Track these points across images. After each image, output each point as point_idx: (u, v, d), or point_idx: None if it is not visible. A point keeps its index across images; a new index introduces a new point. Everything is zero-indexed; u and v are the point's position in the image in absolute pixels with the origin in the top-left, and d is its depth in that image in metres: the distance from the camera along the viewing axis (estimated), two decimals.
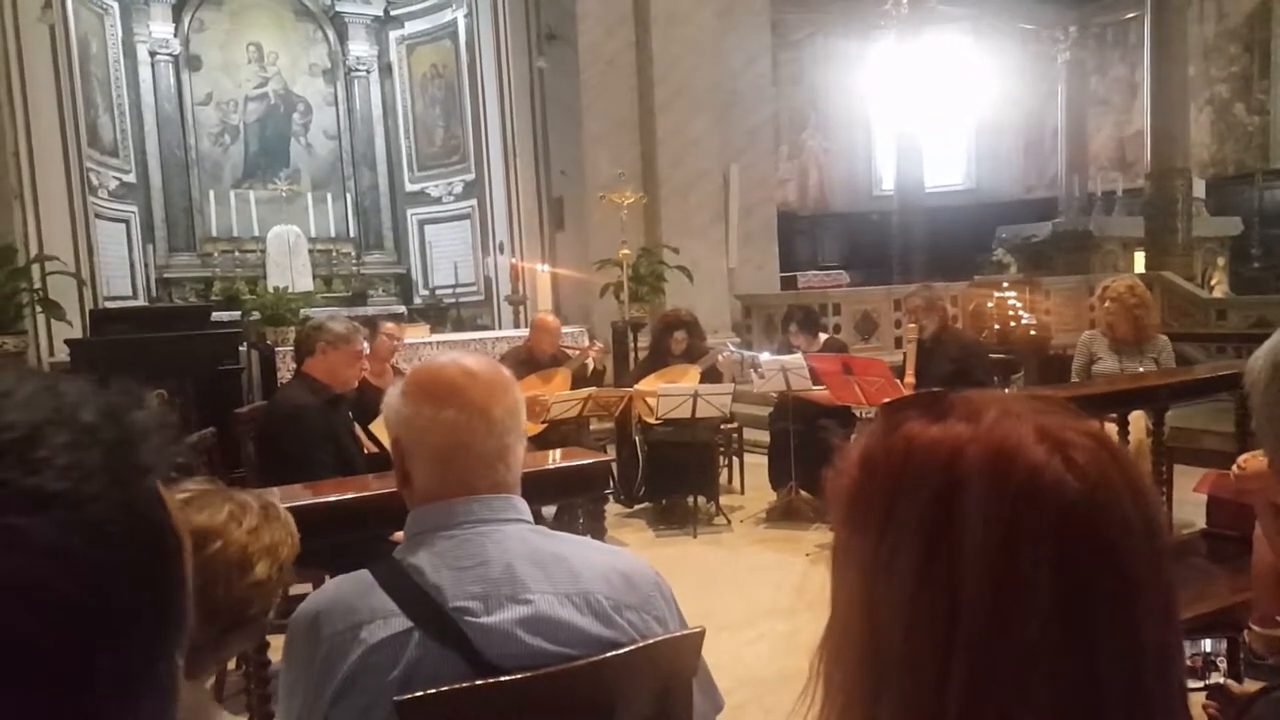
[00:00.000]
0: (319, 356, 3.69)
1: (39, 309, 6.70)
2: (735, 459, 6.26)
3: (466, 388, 1.33)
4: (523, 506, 1.37)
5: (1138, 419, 4.26)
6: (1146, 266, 9.59)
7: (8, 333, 6.36)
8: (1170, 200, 9.51)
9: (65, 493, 0.36)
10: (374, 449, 3.96)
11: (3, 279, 6.38)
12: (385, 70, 12.76)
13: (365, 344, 3.90)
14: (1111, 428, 4.03)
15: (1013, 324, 7.86)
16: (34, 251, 6.95)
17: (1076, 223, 11.59)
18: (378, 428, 3.96)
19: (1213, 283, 10.47)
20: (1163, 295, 8.48)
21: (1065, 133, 13.99)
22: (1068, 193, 13.25)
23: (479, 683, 1.21)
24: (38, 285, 6.72)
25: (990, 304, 8.18)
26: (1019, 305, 7.99)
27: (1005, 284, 8.64)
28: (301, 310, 8.09)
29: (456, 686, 1.20)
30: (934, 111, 13.24)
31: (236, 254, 11.59)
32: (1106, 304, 4.86)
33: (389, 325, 5.32)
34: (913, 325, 5.48)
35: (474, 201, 11.97)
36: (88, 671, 0.35)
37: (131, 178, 11.13)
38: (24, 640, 0.33)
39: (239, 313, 8.60)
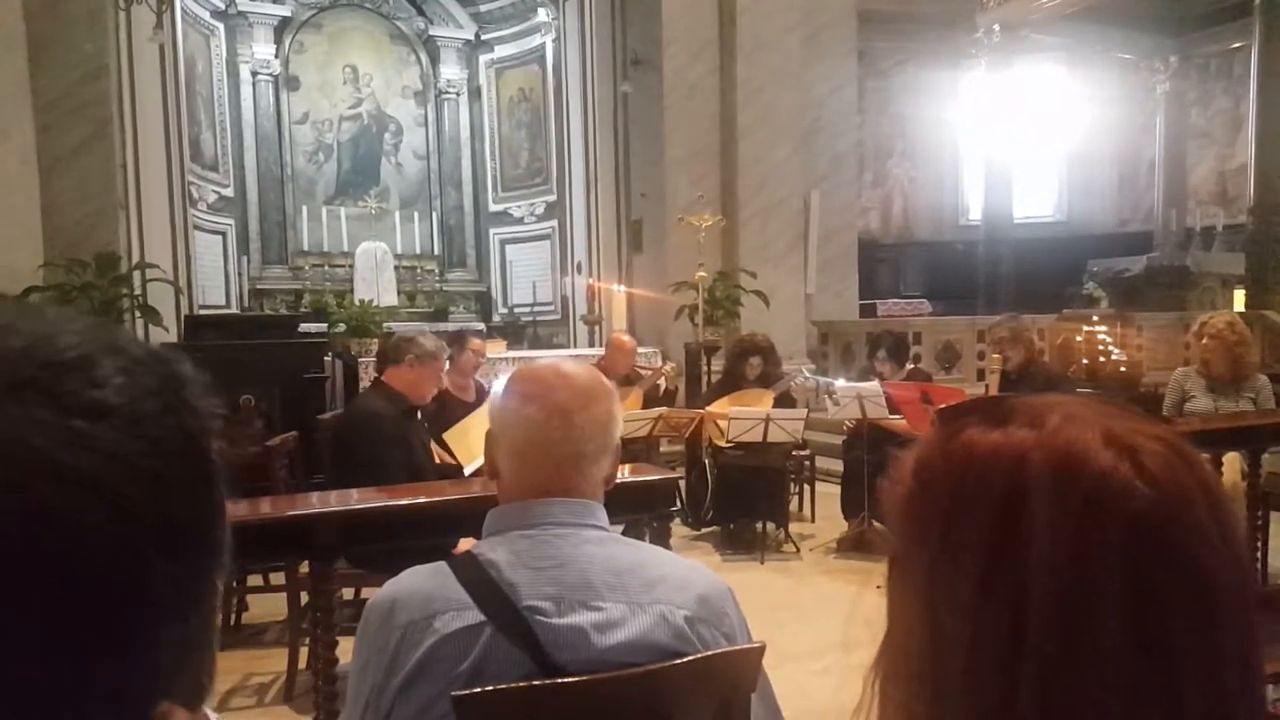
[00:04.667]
0: (404, 368, 3.79)
1: (138, 314, 6.99)
2: (807, 486, 6.17)
3: (554, 388, 1.34)
4: (602, 515, 1.37)
5: (1232, 460, 4.06)
6: (1247, 305, 9.17)
7: None
8: (1274, 237, 9.10)
9: (124, 406, 0.38)
10: (449, 459, 4.03)
11: (106, 284, 6.69)
12: (474, 93, 13.09)
13: (447, 362, 4.02)
14: None
15: (1102, 360, 7.61)
16: (135, 259, 7.28)
17: (1173, 258, 11.17)
18: (451, 436, 4.03)
19: None
20: (1263, 334, 8.10)
21: (1163, 165, 13.52)
22: (1164, 227, 12.79)
23: (536, 683, 1.21)
24: (138, 291, 7.03)
25: (1079, 338, 7.93)
26: (1109, 340, 7.73)
27: (1095, 318, 8.36)
28: (385, 324, 8.31)
29: (514, 685, 1.20)
30: (1024, 142, 12.97)
31: (326, 268, 11.98)
32: (1204, 340, 4.66)
33: (475, 341, 5.41)
34: (997, 356, 5.33)
35: (554, 222, 12.15)
36: (148, 573, 0.37)
37: (230, 192, 11.61)
38: (93, 533, 0.35)
39: (326, 324, 8.86)
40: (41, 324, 0.39)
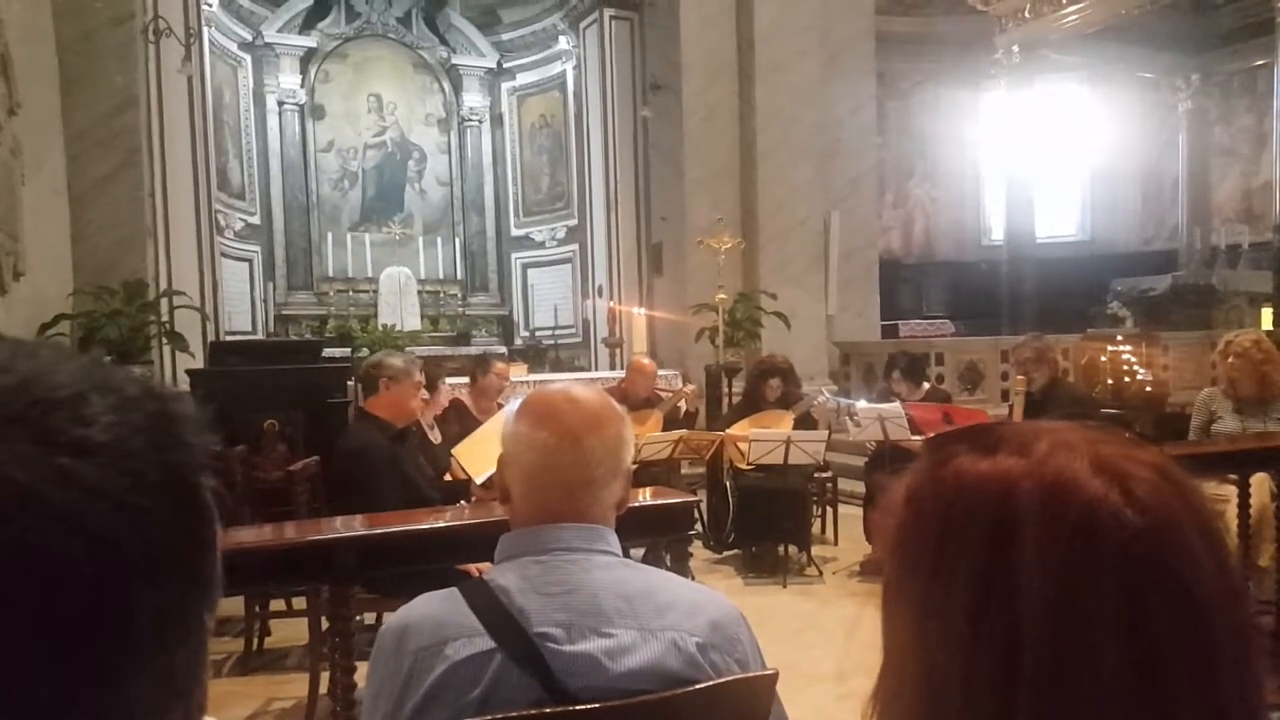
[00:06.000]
0: (381, 393, 3.77)
1: (165, 341, 7.07)
2: (829, 509, 6.13)
3: (565, 413, 1.34)
4: (613, 539, 1.37)
5: (1261, 482, 3.99)
6: (1275, 323, 9.05)
7: (135, 362, 6.72)
8: None
9: (111, 443, 0.38)
10: (463, 475, 4.03)
11: (133, 311, 6.76)
12: (496, 120, 13.23)
13: (421, 375, 3.95)
14: (1231, 490, 3.79)
15: (1127, 380, 7.52)
16: (163, 286, 7.37)
17: (1198, 276, 11.04)
18: (459, 451, 4.03)
19: None
20: None
21: (1186, 184, 13.40)
22: (1189, 245, 12.67)
23: (547, 710, 1.20)
24: (165, 318, 7.11)
25: (1104, 358, 7.85)
26: (1134, 360, 7.64)
27: (1120, 338, 8.27)
28: (407, 348, 8.36)
29: (525, 713, 1.20)
30: (1046, 161, 12.91)
31: (351, 293, 12.09)
32: (1230, 360, 4.59)
33: (500, 364, 5.43)
34: (1021, 377, 5.29)
35: (575, 246, 12.22)
36: (129, 606, 0.37)
37: (256, 219, 11.77)
38: (73, 566, 0.36)
39: (349, 349, 8.94)
40: (34, 363, 0.40)
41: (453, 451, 4.11)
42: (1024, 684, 0.52)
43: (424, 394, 3.93)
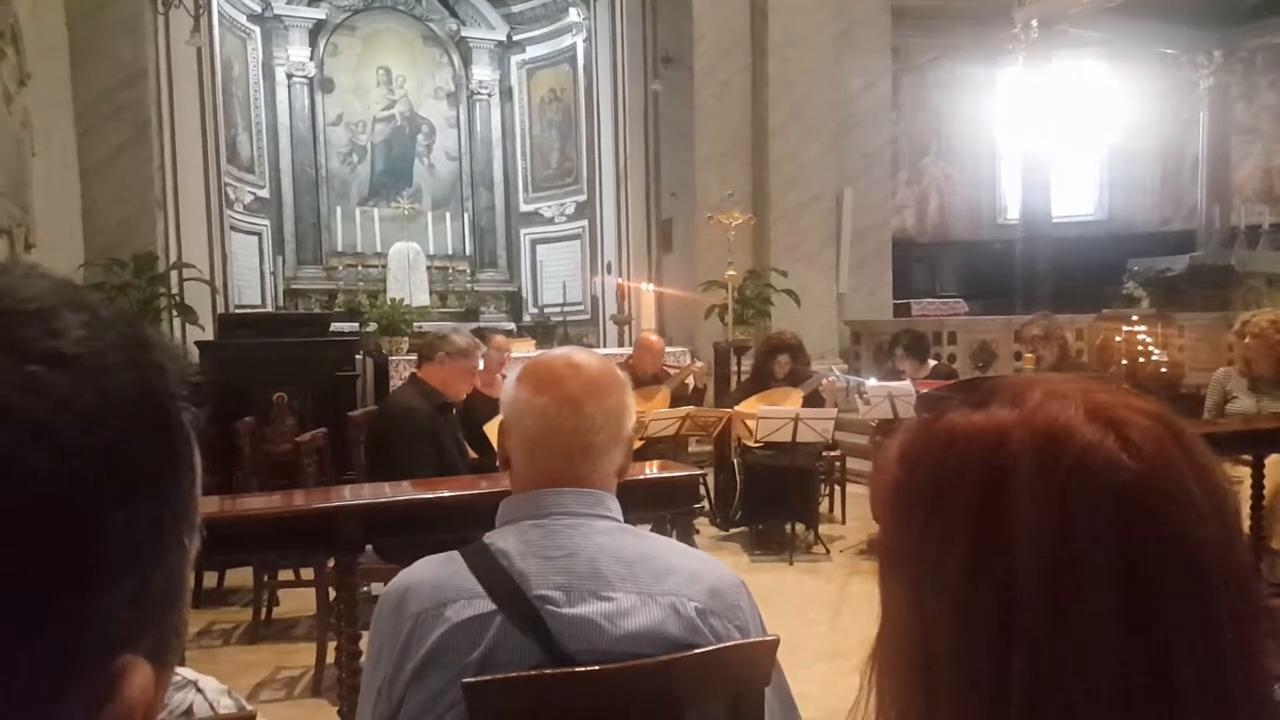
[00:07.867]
0: (436, 364, 3.85)
1: (175, 313, 7.10)
2: (837, 487, 6.12)
3: (566, 379, 1.33)
4: (613, 505, 1.36)
5: (1275, 462, 3.94)
6: None
7: None
8: None
9: (83, 356, 0.38)
10: (475, 455, 4.07)
11: (143, 284, 6.80)
12: (506, 94, 13.15)
13: (481, 360, 4.05)
14: (1245, 471, 3.75)
15: (1142, 360, 7.45)
16: (173, 259, 7.39)
17: (1217, 257, 10.93)
18: (490, 429, 4.07)
19: None
20: None
21: (1207, 162, 13.23)
22: (1207, 225, 12.53)
23: (546, 671, 1.20)
24: (175, 291, 7.13)
25: (1118, 338, 7.78)
26: (1150, 341, 7.57)
27: (1135, 318, 8.19)
28: (416, 323, 8.38)
29: (523, 674, 1.19)
30: (1064, 139, 12.77)
31: (360, 268, 12.09)
32: (1247, 339, 4.56)
33: (498, 338, 5.44)
34: (1029, 355, 5.26)
35: (585, 222, 12.17)
36: (99, 522, 0.37)
37: (265, 193, 11.76)
38: (39, 479, 0.35)
39: (358, 324, 8.96)
40: (4, 278, 0.39)
41: (485, 428, 4.15)
42: (1018, 635, 0.51)
43: (476, 380, 4.03)
